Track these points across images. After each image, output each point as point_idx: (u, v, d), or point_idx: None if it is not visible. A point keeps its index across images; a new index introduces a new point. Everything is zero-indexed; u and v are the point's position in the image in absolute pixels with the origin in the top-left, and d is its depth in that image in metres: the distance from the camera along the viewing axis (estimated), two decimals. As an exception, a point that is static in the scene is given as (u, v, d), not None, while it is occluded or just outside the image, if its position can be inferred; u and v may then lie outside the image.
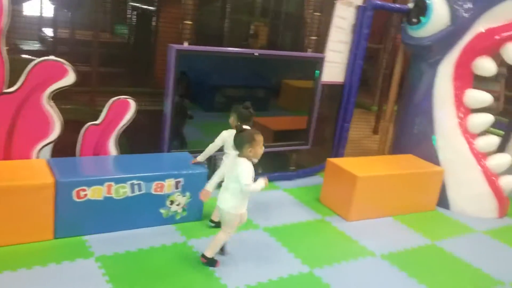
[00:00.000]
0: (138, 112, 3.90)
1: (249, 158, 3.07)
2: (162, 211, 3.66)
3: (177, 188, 3.64)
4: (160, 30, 4.81)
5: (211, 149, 3.77)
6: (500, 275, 3.61)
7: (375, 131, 7.51)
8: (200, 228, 3.72)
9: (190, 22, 3.99)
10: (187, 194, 3.71)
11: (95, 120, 3.79)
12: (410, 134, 5.22)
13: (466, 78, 4.80)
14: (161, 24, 4.81)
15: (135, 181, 3.47)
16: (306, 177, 5.21)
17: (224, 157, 3.74)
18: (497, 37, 4.60)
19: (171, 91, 3.91)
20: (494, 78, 5.54)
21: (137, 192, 3.50)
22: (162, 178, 3.58)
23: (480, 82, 5.48)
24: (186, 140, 4.43)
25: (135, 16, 5.09)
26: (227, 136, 3.64)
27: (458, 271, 3.63)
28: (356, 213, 4.27)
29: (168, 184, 3.61)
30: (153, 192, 3.57)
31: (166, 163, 3.89)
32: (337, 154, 5.54)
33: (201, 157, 3.85)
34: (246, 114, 3.62)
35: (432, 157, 4.87)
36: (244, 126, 3.21)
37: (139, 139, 4.14)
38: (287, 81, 5.15)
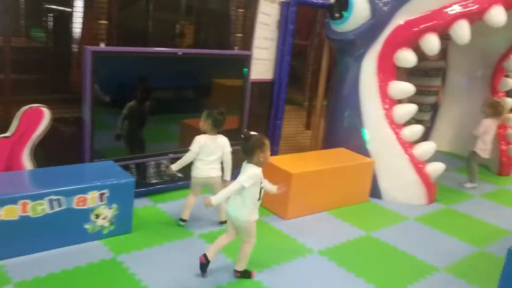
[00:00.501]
0: (55, 120, 3.61)
1: (259, 164, 3.05)
2: (87, 226, 3.40)
3: (101, 200, 3.40)
4: (81, 31, 4.48)
5: (189, 157, 3.65)
6: (434, 260, 3.70)
7: (307, 126, 7.56)
8: (130, 242, 3.50)
9: (105, 22, 3.74)
10: (114, 206, 3.47)
11: (5, 132, 3.45)
12: (340, 128, 5.27)
13: (389, 70, 4.91)
14: (79, 25, 4.49)
15: (53, 197, 3.19)
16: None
17: (198, 164, 3.59)
18: (415, 29, 4.73)
19: (88, 97, 3.64)
20: (434, 73, 5.79)
21: (57, 208, 3.22)
22: (84, 191, 3.32)
23: (421, 77, 5.67)
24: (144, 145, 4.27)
25: (51, 19, 4.72)
26: (203, 142, 3.55)
27: (394, 260, 3.68)
28: (293, 211, 4.22)
29: (92, 197, 3.35)
30: (75, 207, 3.30)
31: (88, 174, 3.62)
32: (271, 152, 5.49)
33: (176, 166, 3.67)
34: (221, 120, 3.59)
35: (362, 149, 4.94)
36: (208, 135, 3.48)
37: (58, 150, 3.84)
38: (216, 81, 5.02)
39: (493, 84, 6.36)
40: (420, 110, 5.55)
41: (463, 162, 6.53)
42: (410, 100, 5.27)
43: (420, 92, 5.59)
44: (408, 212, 4.61)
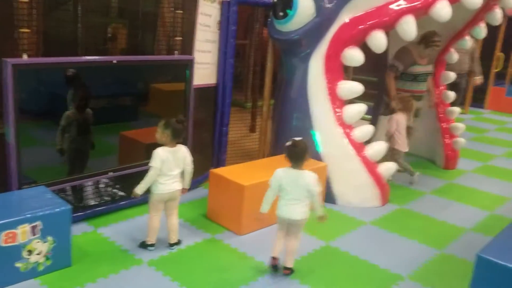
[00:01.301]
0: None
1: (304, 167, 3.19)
2: (18, 265, 2.96)
3: (34, 234, 2.97)
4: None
5: (152, 175, 3.32)
6: (397, 268, 3.58)
7: (252, 129, 7.35)
8: (71, 277, 3.10)
9: (27, 30, 3.28)
10: (49, 238, 3.05)
11: None
12: (289, 131, 5.05)
13: (337, 70, 4.78)
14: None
15: (-25, 235, 2.74)
16: (190, 191, 4.74)
17: (162, 180, 3.34)
18: (361, 26, 4.61)
19: (12, 115, 3.17)
20: (423, 78, 5.66)
21: (-20, 249, 2.77)
22: (13, 225, 2.88)
23: (410, 82, 5.52)
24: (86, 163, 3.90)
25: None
26: (165, 156, 3.31)
27: (358, 271, 3.52)
28: (247, 225, 3.96)
29: (22, 231, 2.92)
30: (3, 245, 2.85)
31: (16, 205, 3.15)
32: (218, 161, 5.22)
33: (141, 189, 3.33)
34: (181, 129, 3.39)
35: (314, 152, 4.77)
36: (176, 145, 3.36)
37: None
38: (157, 88, 4.67)
39: (434, 77, 6.41)
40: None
41: (409, 158, 6.56)
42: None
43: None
44: (364, 216, 4.49)
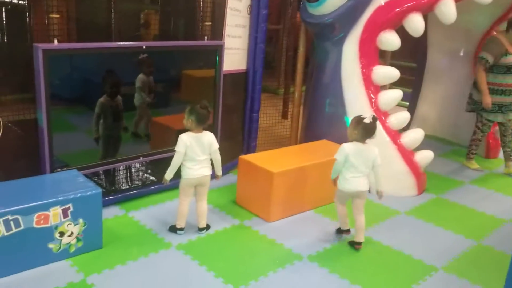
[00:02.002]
0: (7, 127, 3.19)
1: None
2: (51, 246, 3.02)
3: (66, 216, 3.02)
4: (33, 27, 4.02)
5: (177, 160, 3.40)
6: (432, 259, 3.45)
7: (284, 115, 7.27)
8: (101, 259, 3.14)
9: (57, 16, 3.31)
10: (80, 221, 3.09)
11: None
12: (321, 118, 4.98)
13: (372, 54, 4.64)
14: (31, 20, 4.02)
15: (10, 217, 2.80)
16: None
17: (189, 164, 3.40)
18: (397, 9, 4.44)
19: (43, 100, 3.22)
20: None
21: (14, 230, 2.83)
22: (45, 207, 2.93)
23: (502, 75, 5.09)
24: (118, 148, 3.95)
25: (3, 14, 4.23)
26: (189, 141, 3.36)
27: (389, 262, 3.42)
28: (277, 212, 3.92)
29: (54, 214, 2.96)
30: (36, 226, 2.91)
31: (48, 188, 3.22)
32: (249, 148, 5.18)
33: (169, 175, 3.39)
34: (205, 114, 3.39)
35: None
36: None
37: (12, 162, 3.42)
38: (186, 74, 4.65)
39: (476, 62, 6.14)
40: (508, 109, 5.17)
41: (448, 146, 6.36)
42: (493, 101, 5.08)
43: (501, 91, 5.14)
44: (399, 206, 4.36)
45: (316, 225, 3.88)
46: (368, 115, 3.44)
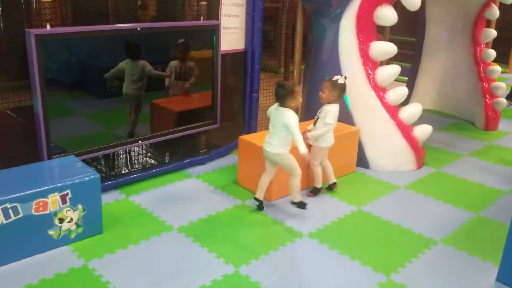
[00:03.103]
0: (6, 114, 3.20)
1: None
2: (51, 232, 3.05)
3: (64, 202, 3.04)
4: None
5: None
6: (431, 233, 3.48)
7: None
8: (102, 244, 3.17)
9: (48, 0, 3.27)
10: (79, 206, 3.12)
11: None
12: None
13: (369, 30, 4.59)
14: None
15: (8, 204, 2.82)
16: (221, 158, 4.78)
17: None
18: (394, -17, 4.38)
19: (38, 86, 3.21)
20: None
21: (13, 217, 2.86)
22: (43, 194, 2.95)
23: None
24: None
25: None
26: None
27: (389, 236, 3.44)
28: (278, 191, 3.93)
29: (53, 200, 2.99)
30: (35, 213, 2.94)
31: (46, 174, 3.24)
32: (250, 128, 5.16)
33: (304, 147, 3.50)
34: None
35: (347, 117, 4.64)
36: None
37: (11, 149, 3.43)
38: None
39: (474, 35, 6.08)
40: None
41: (448, 120, 6.34)
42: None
43: None
44: (398, 180, 4.37)
45: (316, 202, 3.89)
46: (338, 76, 3.87)
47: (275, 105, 3.60)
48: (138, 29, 3.80)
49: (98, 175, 3.18)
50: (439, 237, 3.42)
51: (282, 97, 3.50)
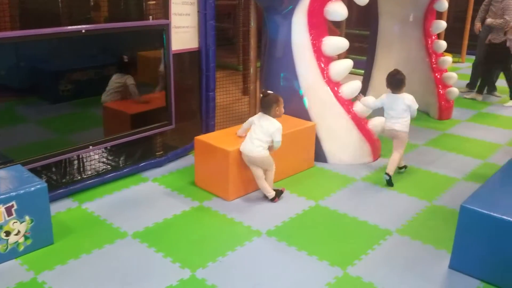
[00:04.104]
0: None
1: (277, 117, 3.77)
2: (-3, 246, 2.93)
3: (10, 214, 2.91)
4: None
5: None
6: (386, 223, 3.53)
7: (244, 92, 7.20)
8: (53, 255, 3.06)
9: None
10: (27, 218, 3.00)
11: None
12: (277, 92, 4.92)
13: (321, 26, 4.61)
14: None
15: (-51, 220, 2.69)
16: (179, 159, 4.72)
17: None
18: (341, -21, 4.41)
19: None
20: None
21: (-45, 233, 2.73)
22: (-13, 207, 2.83)
23: None
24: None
25: None
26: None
27: (346, 229, 3.48)
28: (236, 191, 3.91)
29: (-3, 213, 2.87)
30: (-21, 227, 2.81)
31: (-11, 186, 3.11)
32: (208, 127, 5.11)
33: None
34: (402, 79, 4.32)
35: (303, 112, 4.66)
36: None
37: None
38: (134, 56, 4.53)
39: (425, 27, 6.21)
40: None
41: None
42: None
43: None
44: (355, 173, 4.42)
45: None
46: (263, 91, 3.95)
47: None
48: (83, 31, 3.69)
49: (45, 185, 3.07)
50: (395, 227, 3.48)
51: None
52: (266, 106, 3.77)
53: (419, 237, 3.36)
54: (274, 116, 3.77)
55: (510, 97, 6.97)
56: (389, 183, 4.15)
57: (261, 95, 3.83)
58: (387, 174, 4.15)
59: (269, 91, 3.87)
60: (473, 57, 7.72)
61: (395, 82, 4.23)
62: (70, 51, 3.97)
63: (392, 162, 4.19)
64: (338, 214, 3.69)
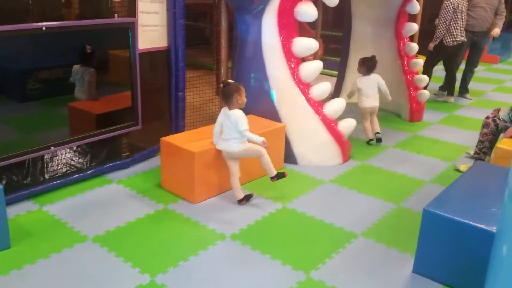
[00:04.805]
0: None
1: (238, 107, 3.69)
2: (-51, 252, 2.81)
3: (-38, 219, 2.81)
4: None
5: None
6: (352, 226, 3.52)
7: (218, 92, 7.13)
8: (9, 260, 2.96)
9: None
10: (-20, 222, 2.89)
11: None
12: (248, 92, 4.85)
13: (291, 26, 4.58)
14: None
15: None
16: (146, 161, 4.63)
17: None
18: (311, -21, 4.39)
19: None
20: None
21: None
22: None
23: None
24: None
25: None
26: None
27: (311, 233, 3.45)
28: (201, 193, 3.85)
29: None
30: None
31: None
32: (177, 128, 5.03)
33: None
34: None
35: (273, 113, 4.63)
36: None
37: None
38: (102, 54, 4.42)
39: (397, 29, 6.24)
40: None
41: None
42: None
43: None
44: (324, 175, 4.40)
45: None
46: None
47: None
48: (44, 28, 3.58)
49: (0, 187, 2.95)
50: (360, 230, 3.47)
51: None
52: (227, 96, 3.68)
53: (383, 240, 3.36)
54: (236, 106, 3.67)
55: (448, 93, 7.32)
56: (379, 140, 5.20)
57: (222, 85, 3.76)
58: (378, 133, 5.21)
59: (229, 81, 3.81)
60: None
61: (372, 65, 5.22)
62: (30, 50, 3.86)
63: (375, 124, 5.23)
64: (305, 216, 3.66)
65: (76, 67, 4.07)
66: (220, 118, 3.78)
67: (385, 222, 3.61)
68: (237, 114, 3.63)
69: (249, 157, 3.86)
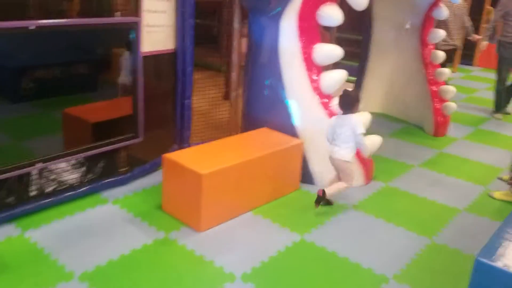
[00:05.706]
0: None
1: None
2: None
3: None
4: None
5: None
6: (381, 267, 3.03)
7: (226, 96, 6.67)
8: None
9: None
10: None
11: None
12: (261, 101, 4.44)
13: (312, 31, 4.12)
14: None
15: None
16: (146, 176, 4.16)
17: None
18: (337, -21, 3.92)
19: None
20: None
21: None
22: None
23: None
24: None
25: None
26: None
27: (334, 273, 2.97)
28: (208, 220, 3.37)
29: None
30: None
31: None
32: (182, 139, 4.58)
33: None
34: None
35: (288, 126, 4.16)
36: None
37: None
38: (98, 58, 4.03)
39: (422, 35, 5.77)
40: None
41: (396, 124, 6.02)
42: None
43: None
44: (346, 199, 3.92)
45: (254, 232, 3.37)
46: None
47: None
48: (34, 27, 3.10)
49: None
50: (392, 273, 2.98)
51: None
52: (350, 105, 3.63)
53: (420, 285, 2.87)
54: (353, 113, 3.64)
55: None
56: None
57: (342, 94, 3.67)
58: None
59: (349, 89, 3.77)
60: (466, 67, 7.29)
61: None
62: (21, 48, 3.45)
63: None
64: (326, 252, 3.18)
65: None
66: (335, 124, 3.68)
67: (419, 262, 3.12)
68: (357, 118, 3.63)
69: (341, 174, 3.72)
